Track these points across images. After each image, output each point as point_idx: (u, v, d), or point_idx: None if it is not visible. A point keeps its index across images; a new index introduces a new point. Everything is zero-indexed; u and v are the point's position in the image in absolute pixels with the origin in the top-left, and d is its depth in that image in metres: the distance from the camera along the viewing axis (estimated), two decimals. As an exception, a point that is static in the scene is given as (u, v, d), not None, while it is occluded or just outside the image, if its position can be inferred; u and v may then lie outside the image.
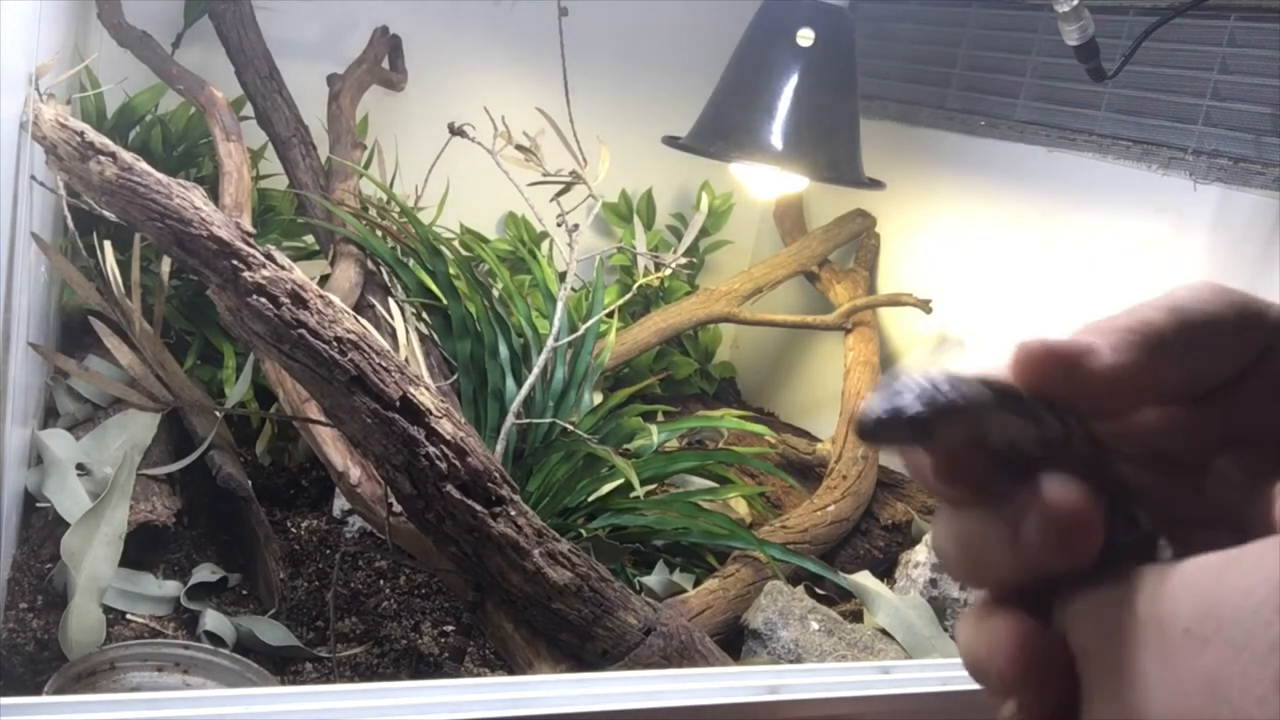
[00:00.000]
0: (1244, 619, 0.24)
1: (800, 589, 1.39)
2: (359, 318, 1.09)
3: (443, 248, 1.64)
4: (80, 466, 1.30)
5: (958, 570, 0.31)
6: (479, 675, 1.26)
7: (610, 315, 1.70)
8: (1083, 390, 0.30)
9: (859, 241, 2.09)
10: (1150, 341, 0.31)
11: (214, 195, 1.50)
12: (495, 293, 1.67)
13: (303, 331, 0.96)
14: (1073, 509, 0.27)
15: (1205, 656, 0.24)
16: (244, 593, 1.35)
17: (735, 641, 1.34)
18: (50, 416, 1.44)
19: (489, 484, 1.04)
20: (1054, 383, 0.30)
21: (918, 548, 1.54)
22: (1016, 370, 0.31)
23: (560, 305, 1.55)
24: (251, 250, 0.98)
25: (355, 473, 1.26)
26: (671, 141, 1.81)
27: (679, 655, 1.10)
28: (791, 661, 1.28)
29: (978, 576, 0.30)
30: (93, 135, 1.03)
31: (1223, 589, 0.24)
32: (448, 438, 1.02)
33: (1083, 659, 0.27)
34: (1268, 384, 0.32)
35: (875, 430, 0.27)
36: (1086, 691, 0.27)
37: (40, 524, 1.28)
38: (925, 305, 1.86)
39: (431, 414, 1.01)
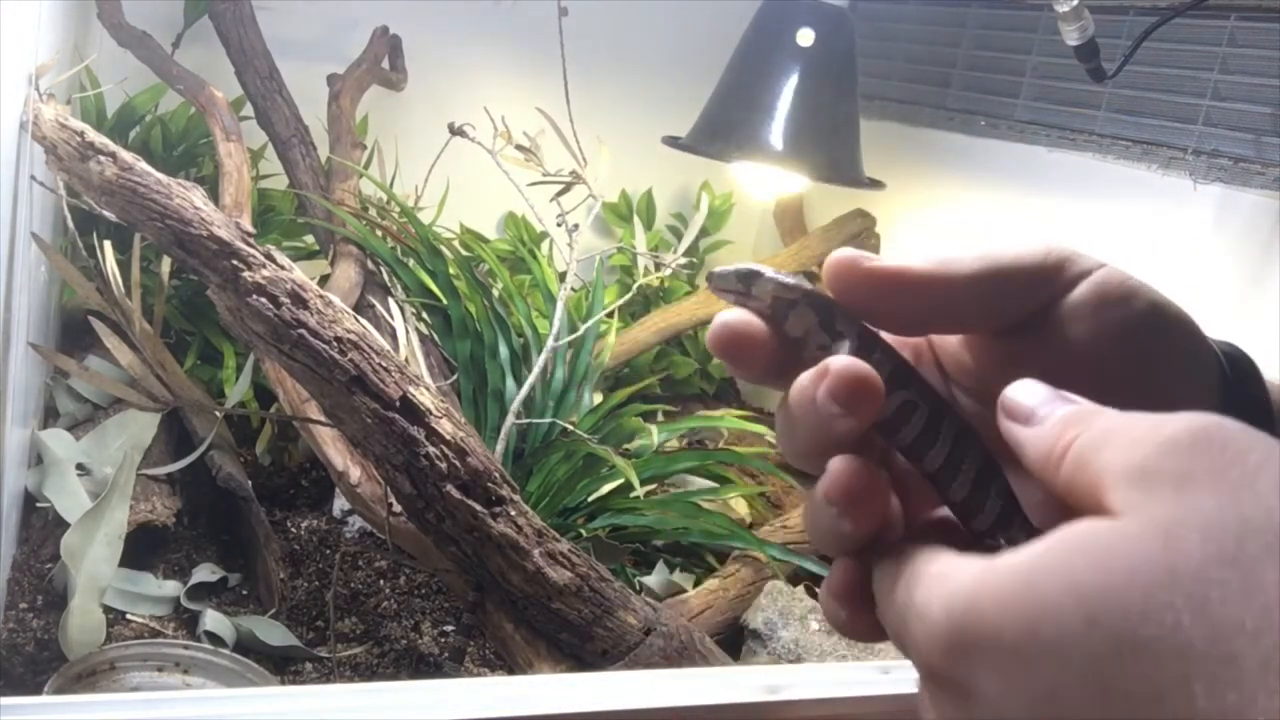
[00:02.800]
0: (1060, 636, 0.25)
1: (800, 589, 1.39)
2: (359, 318, 1.09)
3: (443, 248, 1.64)
4: (80, 466, 1.30)
5: (785, 450, 0.36)
6: (479, 675, 1.26)
7: (610, 315, 1.70)
8: (883, 295, 0.36)
9: (859, 241, 2.09)
10: (950, 267, 0.36)
11: (214, 195, 1.50)
12: (495, 293, 1.67)
13: (303, 331, 0.96)
14: (851, 370, 0.33)
15: (1039, 673, 0.25)
16: (244, 593, 1.35)
17: (735, 641, 1.34)
18: (50, 416, 1.44)
19: (489, 484, 1.04)
20: (860, 287, 0.36)
21: (918, 548, 1.54)
22: (829, 274, 0.37)
23: (560, 305, 1.55)
24: (251, 250, 0.98)
25: (355, 473, 1.26)
26: (671, 141, 1.81)
27: (679, 655, 1.10)
28: (791, 661, 1.28)
29: (794, 450, 0.35)
30: (93, 135, 1.03)
31: (1037, 606, 0.26)
32: (448, 438, 1.02)
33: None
34: (1060, 329, 0.36)
35: (715, 277, 0.38)
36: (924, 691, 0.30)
37: (40, 524, 1.28)
38: (925, 305, 1.86)
39: (431, 414, 1.01)
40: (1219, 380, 0.38)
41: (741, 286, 0.37)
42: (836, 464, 0.33)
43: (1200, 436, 0.27)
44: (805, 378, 0.34)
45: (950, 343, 0.40)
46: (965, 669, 0.27)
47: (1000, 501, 0.34)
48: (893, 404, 0.34)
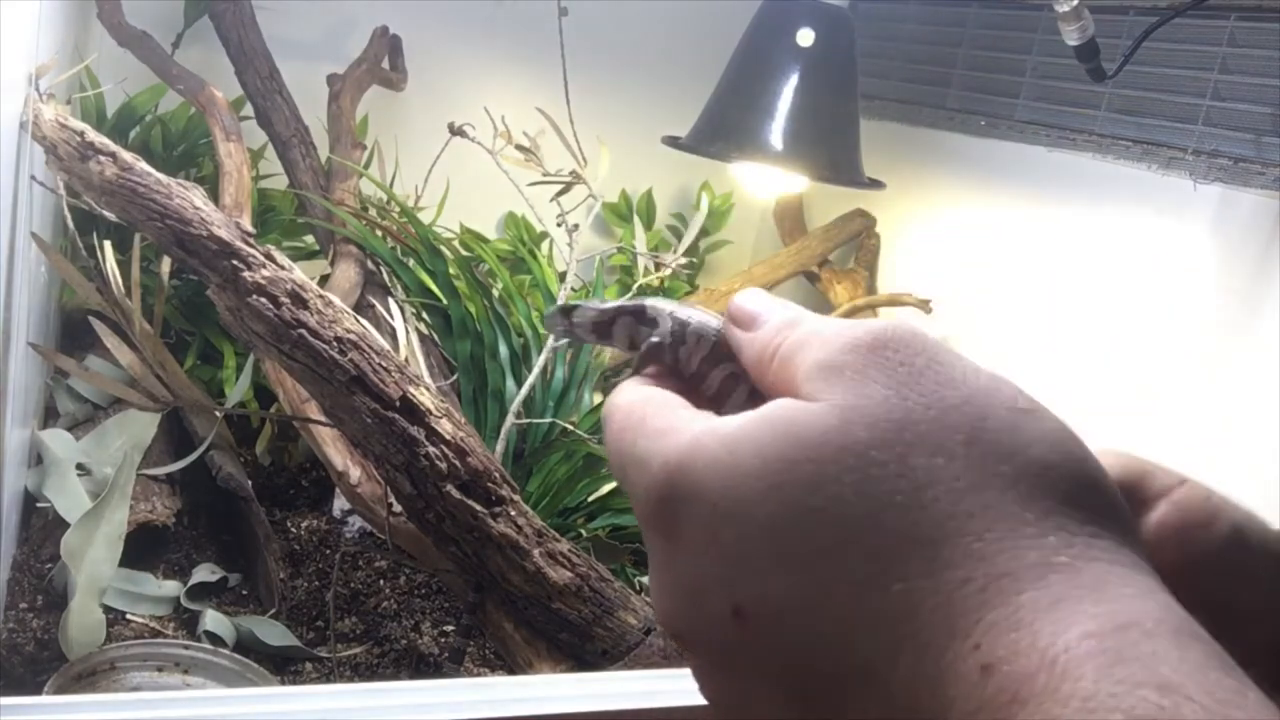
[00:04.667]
0: (748, 498, 0.28)
1: (800, 589, 1.39)
2: (359, 318, 1.09)
3: (443, 248, 1.64)
4: (80, 466, 1.30)
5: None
6: (479, 675, 1.26)
7: (610, 315, 1.70)
8: None
9: (859, 241, 2.09)
10: None
11: (214, 195, 1.50)
12: (495, 293, 1.67)
13: (303, 331, 0.96)
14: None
15: (730, 530, 0.28)
16: (244, 593, 1.35)
17: (735, 641, 1.34)
18: (50, 416, 1.44)
19: (489, 484, 1.04)
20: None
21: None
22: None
23: (560, 305, 1.54)
24: (251, 250, 0.98)
25: (355, 473, 1.26)
26: (671, 141, 1.81)
27: (679, 655, 1.10)
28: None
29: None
30: (93, 135, 1.03)
31: (733, 469, 0.29)
32: (448, 438, 1.02)
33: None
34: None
35: (545, 319, 0.41)
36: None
37: (40, 524, 1.28)
38: (925, 305, 1.86)
39: (431, 414, 1.01)
40: None
41: (565, 322, 0.41)
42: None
43: (879, 339, 0.30)
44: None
45: None
46: (673, 520, 0.30)
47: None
48: (715, 379, 0.37)
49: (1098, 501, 0.28)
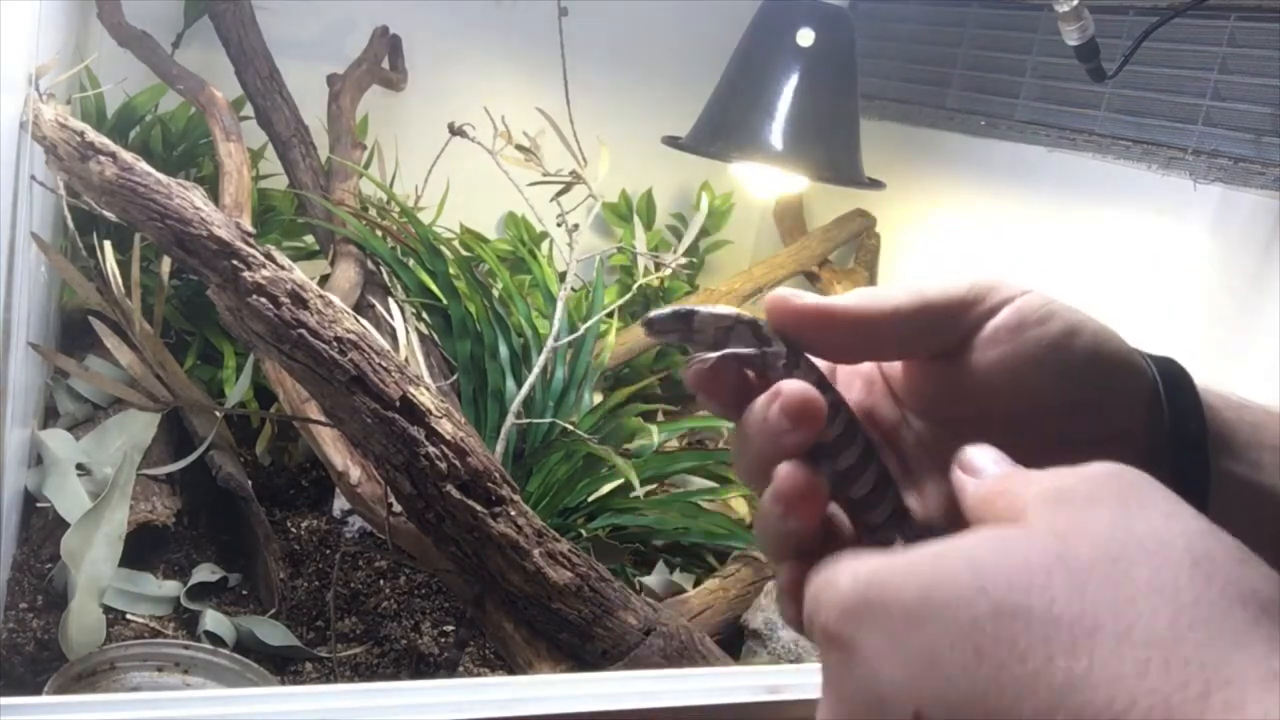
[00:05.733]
0: (952, 600, 0.28)
1: (800, 589, 1.39)
2: (359, 318, 1.09)
3: (443, 248, 1.64)
4: (80, 466, 1.30)
5: (739, 469, 0.40)
6: (479, 675, 1.26)
7: (610, 315, 1.70)
8: (815, 331, 0.40)
9: (859, 241, 2.09)
10: (878, 302, 0.40)
11: (214, 195, 1.50)
12: (495, 293, 1.67)
13: (303, 331, 0.96)
14: (800, 392, 0.37)
15: (924, 633, 0.28)
16: (244, 593, 1.35)
17: (735, 641, 1.34)
18: (50, 416, 1.44)
19: (489, 484, 1.04)
20: (792, 324, 0.40)
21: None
22: (767, 311, 0.40)
23: (560, 305, 1.55)
24: (251, 250, 0.98)
25: (355, 473, 1.26)
26: (671, 141, 1.81)
27: (679, 655, 1.10)
28: (791, 661, 1.28)
29: (747, 466, 0.39)
30: (93, 135, 1.03)
31: (937, 575, 0.29)
32: (448, 438, 1.02)
33: (817, 632, 0.33)
34: (983, 353, 0.39)
35: (652, 322, 0.42)
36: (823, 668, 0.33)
37: (40, 524, 1.28)
38: (925, 305, 1.86)
39: (431, 414, 1.01)
40: (1149, 393, 0.41)
41: (681, 325, 0.41)
42: (784, 468, 0.37)
43: (1112, 474, 0.31)
44: (759, 400, 0.38)
45: (896, 367, 0.43)
46: (857, 628, 0.30)
47: (893, 502, 0.39)
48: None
49: None
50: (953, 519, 0.36)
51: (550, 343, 1.51)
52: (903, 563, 0.30)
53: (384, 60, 1.96)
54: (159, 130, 1.74)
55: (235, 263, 0.96)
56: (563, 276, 1.57)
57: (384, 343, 1.08)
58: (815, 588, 0.33)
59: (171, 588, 1.28)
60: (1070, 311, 0.40)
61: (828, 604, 0.31)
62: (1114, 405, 0.40)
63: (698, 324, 0.41)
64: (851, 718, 0.30)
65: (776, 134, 1.68)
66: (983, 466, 0.35)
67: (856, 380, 0.44)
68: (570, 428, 1.46)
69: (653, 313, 0.42)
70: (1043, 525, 0.30)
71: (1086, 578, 0.27)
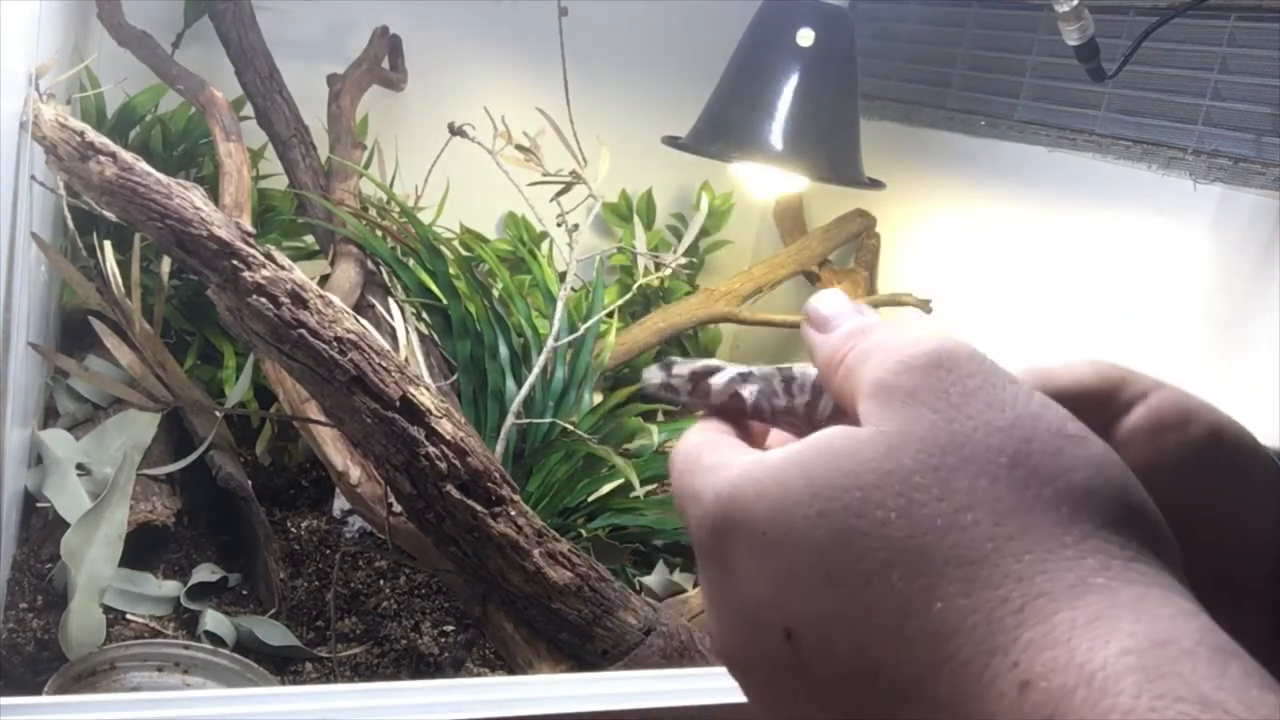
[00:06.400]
0: (798, 525, 0.29)
1: (800, 589, 1.39)
2: (359, 318, 1.09)
3: (443, 248, 1.64)
4: (80, 466, 1.30)
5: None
6: (479, 675, 1.26)
7: (610, 315, 1.70)
8: None
9: (859, 241, 2.09)
10: None
11: (214, 195, 1.50)
12: (495, 293, 1.67)
13: (303, 331, 0.96)
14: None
15: (780, 556, 0.29)
16: (244, 593, 1.35)
17: (735, 641, 1.34)
18: (50, 416, 1.44)
19: (489, 484, 1.04)
20: None
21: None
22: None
23: (560, 305, 1.55)
24: (251, 250, 0.98)
25: (355, 473, 1.26)
26: (671, 141, 1.81)
27: (679, 655, 1.10)
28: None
29: None
30: (93, 135, 1.03)
31: (783, 495, 0.30)
32: (448, 438, 1.02)
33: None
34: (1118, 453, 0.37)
35: (644, 391, 0.41)
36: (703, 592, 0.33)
37: (40, 524, 1.28)
38: (925, 305, 1.86)
39: (431, 414, 1.01)
40: None
41: (664, 375, 0.40)
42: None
43: (934, 359, 0.31)
44: None
45: None
46: (725, 549, 0.31)
47: None
48: (827, 406, 0.38)
49: (1138, 526, 0.28)
50: None
51: (550, 343, 1.51)
52: (755, 479, 0.30)
53: (384, 60, 1.96)
54: (159, 130, 1.74)
55: (235, 263, 0.96)
56: (563, 276, 1.57)
57: (384, 343, 1.07)
58: (681, 493, 0.33)
59: (171, 588, 1.28)
60: (1209, 411, 0.38)
61: (696, 520, 0.32)
62: (1253, 512, 0.38)
63: (675, 372, 0.40)
64: (730, 636, 0.31)
65: (776, 134, 1.68)
66: (830, 317, 0.35)
67: None
68: (570, 428, 1.46)
69: (644, 378, 0.41)
70: (868, 430, 0.30)
71: (912, 493, 0.28)
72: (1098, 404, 0.37)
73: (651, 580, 1.41)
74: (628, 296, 1.73)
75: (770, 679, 0.30)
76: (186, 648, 1.15)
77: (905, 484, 0.28)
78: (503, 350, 1.58)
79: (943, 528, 0.27)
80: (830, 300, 0.36)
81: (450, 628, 1.33)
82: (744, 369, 0.39)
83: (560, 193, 1.60)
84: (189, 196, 0.99)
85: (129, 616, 1.23)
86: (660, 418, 1.79)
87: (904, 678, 0.27)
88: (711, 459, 0.33)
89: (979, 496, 0.28)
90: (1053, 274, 1.70)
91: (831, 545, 0.28)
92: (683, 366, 0.40)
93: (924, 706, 0.27)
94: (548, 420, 1.52)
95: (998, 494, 0.28)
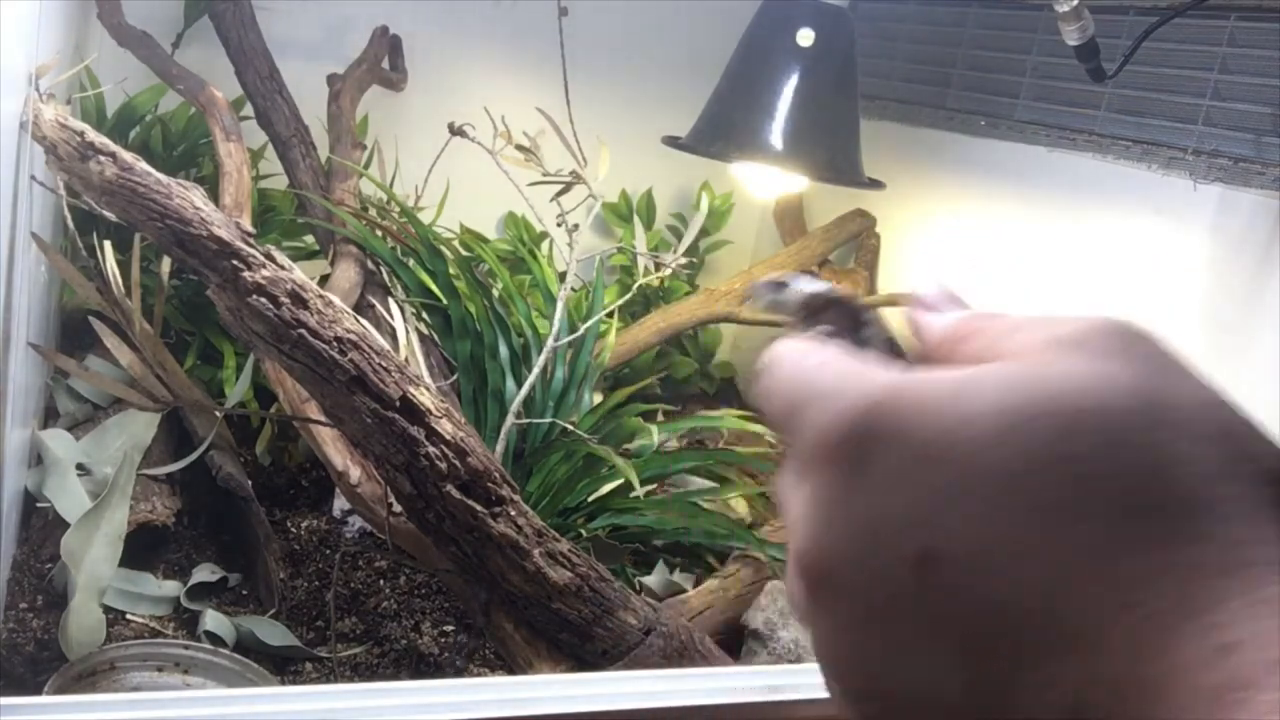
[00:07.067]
0: (979, 440, 0.26)
1: (800, 589, 1.38)
2: (359, 318, 1.09)
3: (443, 248, 1.64)
4: (80, 466, 1.30)
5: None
6: (479, 675, 1.26)
7: (610, 315, 1.70)
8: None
9: (859, 241, 2.09)
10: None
11: (214, 195, 1.50)
12: (495, 293, 1.67)
13: (303, 331, 0.96)
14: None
15: (943, 470, 0.26)
16: (244, 593, 1.35)
17: (735, 641, 1.34)
18: (50, 416, 1.44)
19: (489, 484, 1.04)
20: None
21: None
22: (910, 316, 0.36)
23: (560, 305, 1.55)
24: (251, 250, 0.98)
25: (355, 473, 1.26)
26: (671, 141, 1.81)
27: (679, 655, 1.10)
28: (791, 661, 1.28)
29: None
30: (93, 135, 1.03)
31: (963, 408, 0.27)
32: (448, 438, 1.02)
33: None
34: None
35: (752, 289, 0.40)
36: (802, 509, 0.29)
37: (40, 524, 1.28)
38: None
39: (431, 414, 1.01)
40: None
41: (773, 299, 0.39)
42: None
43: (1121, 326, 0.29)
44: None
45: None
46: (863, 457, 0.28)
47: None
48: None
49: None
50: None
51: (550, 343, 1.51)
52: (923, 387, 0.28)
53: (384, 60, 1.96)
54: (159, 130, 1.74)
55: (235, 263, 0.96)
56: (563, 276, 1.57)
57: (384, 343, 1.08)
58: (798, 386, 0.30)
59: (171, 588, 1.28)
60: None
61: (826, 420, 0.28)
62: None
63: (786, 297, 0.38)
64: (837, 548, 0.28)
65: (776, 134, 1.68)
66: (939, 302, 0.34)
67: None
68: (570, 428, 1.46)
69: (757, 280, 0.40)
70: (1063, 366, 0.27)
71: (1122, 433, 0.26)
72: None
73: (651, 580, 1.41)
74: (628, 296, 1.73)
75: (880, 607, 0.27)
76: (186, 648, 1.15)
77: (1114, 421, 0.26)
78: (503, 350, 1.58)
79: (1150, 475, 0.25)
80: (937, 286, 0.34)
81: (450, 628, 1.33)
82: (858, 304, 0.38)
83: (560, 193, 1.60)
84: (189, 196, 0.99)
85: (129, 616, 1.23)
86: (660, 418, 1.79)
87: (1063, 619, 0.25)
88: (851, 364, 0.30)
89: (1188, 456, 0.26)
90: (1053, 274, 1.70)
91: (1018, 467, 0.26)
92: (795, 291, 0.38)
93: (1077, 653, 0.24)
94: (548, 420, 1.52)
95: (1208, 457, 0.26)
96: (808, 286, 0.38)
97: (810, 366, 0.30)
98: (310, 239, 1.77)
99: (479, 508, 1.02)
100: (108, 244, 1.34)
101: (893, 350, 0.36)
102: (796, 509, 0.30)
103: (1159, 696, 0.23)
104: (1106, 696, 0.24)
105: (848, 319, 0.37)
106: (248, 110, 1.75)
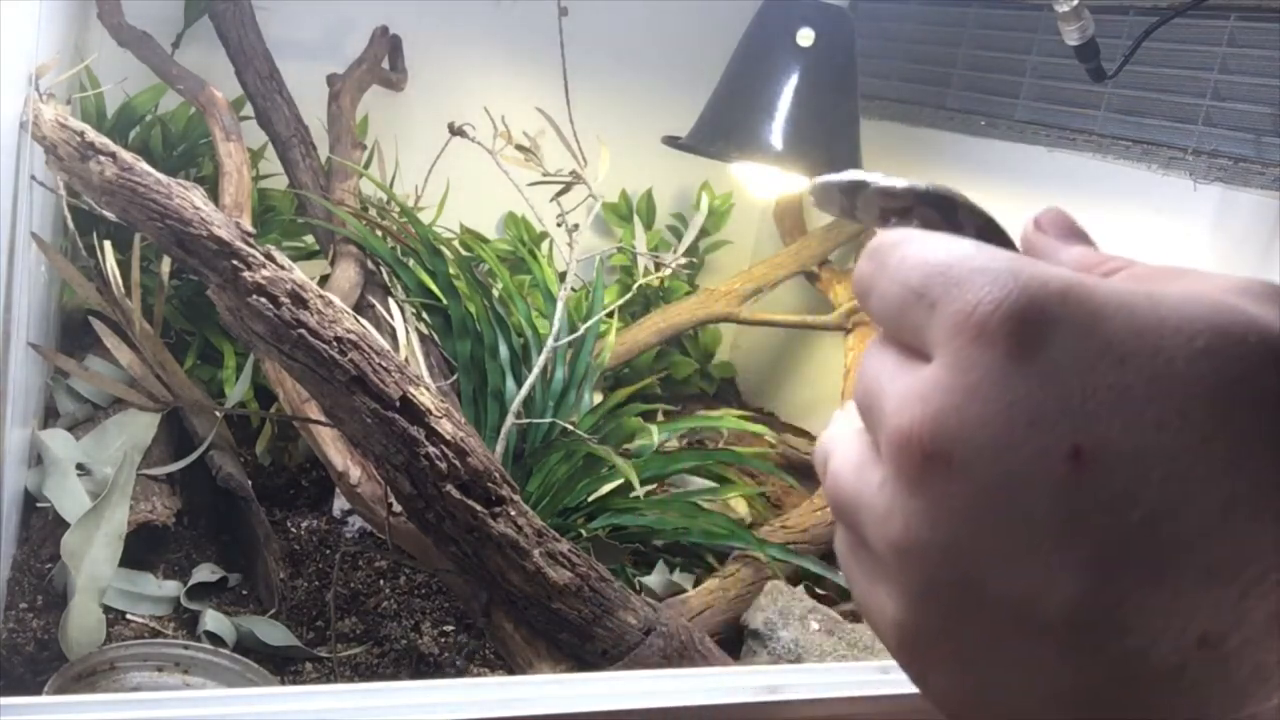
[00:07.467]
0: (1167, 349, 0.25)
1: (800, 589, 1.39)
2: (359, 318, 1.09)
3: (443, 248, 1.64)
4: (80, 466, 1.30)
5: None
6: (479, 675, 1.26)
7: (610, 315, 1.70)
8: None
9: (859, 241, 2.09)
10: None
11: (214, 195, 1.50)
12: (495, 293, 1.67)
13: (303, 331, 0.96)
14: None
15: (1122, 371, 0.25)
16: (244, 593, 1.35)
17: (735, 641, 1.34)
18: (50, 416, 1.44)
19: (489, 484, 1.04)
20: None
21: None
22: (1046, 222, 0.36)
23: (560, 305, 1.55)
24: (251, 250, 0.98)
25: (355, 473, 1.26)
26: (671, 141, 1.81)
27: (679, 655, 1.10)
28: (791, 661, 1.28)
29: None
30: (93, 135, 1.03)
31: (1156, 313, 0.25)
32: (448, 438, 1.02)
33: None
34: None
35: (820, 188, 0.36)
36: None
37: (40, 524, 1.28)
38: (925, 305, 1.86)
39: (431, 414, 1.01)
40: None
41: (846, 202, 0.35)
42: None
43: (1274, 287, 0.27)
44: None
45: None
46: (1038, 339, 0.25)
47: None
48: None
49: None
50: None
51: (550, 343, 1.51)
52: (1114, 284, 0.26)
53: (384, 60, 1.96)
54: (159, 130, 1.74)
55: (235, 263, 0.96)
56: (563, 276, 1.58)
57: (384, 343, 1.08)
58: (963, 274, 0.27)
59: (171, 588, 1.28)
60: None
61: (1004, 293, 0.26)
62: None
63: (862, 205, 0.35)
64: (973, 428, 0.25)
65: (776, 134, 1.68)
66: (1072, 229, 0.32)
67: None
68: (570, 428, 1.46)
69: (820, 179, 0.36)
70: (1261, 309, 0.26)
71: None
72: None
73: (651, 580, 1.41)
74: (628, 296, 1.73)
75: (1013, 496, 0.25)
76: (186, 648, 1.15)
77: None
78: (503, 350, 1.58)
79: None
80: (1065, 216, 0.33)
81: (450, 628, 1.33)
82: (947, 199, 0.35)
83: (560, 193, 1.60)
84: (189, 196, 0.99)
85: (129, 616, 1.23)
86: (660, 418, 1.79)
87: (1222, 556, 0.23)
88: (1007, 253, 0.28)
89: None
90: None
91: (1209, 388, 0.24)
92: (872, 197, 0.34)
93: (1226, 594, 0.23)
94: (548, 420, 1.52)
95: None
96: (896, 184, 0.34)
97: (965, 245, 0.28)
98: (310, 239, 1.77)
99: (479, 508, 1.02)
100: (108, 244, 1.34)
101: (986, 235, 0.33)
102: (908, 384, 0.27)
103: None
104: (1237, 643, 0.23)
105: (940, 224, 0.33)
106: (248, 110, 1.75)
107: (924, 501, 0.26)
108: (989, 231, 0.34)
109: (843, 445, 0.30)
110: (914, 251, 0.29)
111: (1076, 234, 0.33)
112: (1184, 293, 0.26)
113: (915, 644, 0.27)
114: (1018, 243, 0.35)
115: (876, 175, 0.35)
